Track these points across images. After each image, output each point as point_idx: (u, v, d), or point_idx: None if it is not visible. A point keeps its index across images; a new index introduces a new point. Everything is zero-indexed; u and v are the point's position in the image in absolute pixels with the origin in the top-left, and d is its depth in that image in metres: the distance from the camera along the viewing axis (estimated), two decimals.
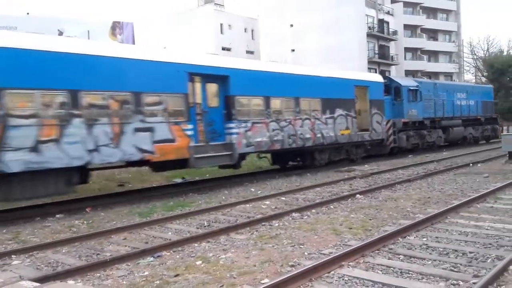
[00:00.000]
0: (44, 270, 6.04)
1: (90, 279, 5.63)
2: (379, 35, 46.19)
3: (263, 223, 8.21)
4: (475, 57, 52.38)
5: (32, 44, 9.50)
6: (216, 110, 13.26)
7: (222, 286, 5.11)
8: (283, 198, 11.00)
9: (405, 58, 52.15)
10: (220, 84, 13.31)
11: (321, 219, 8.43)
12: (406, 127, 22.26)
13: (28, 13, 25.23)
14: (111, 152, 10.47)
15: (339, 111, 17.26)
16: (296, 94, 15.57)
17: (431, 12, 59.61)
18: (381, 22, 47.02)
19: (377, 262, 5.65)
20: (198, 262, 6.04)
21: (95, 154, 10.19)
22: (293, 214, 8.87)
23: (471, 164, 16.61)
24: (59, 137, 9.63)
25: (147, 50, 13.35)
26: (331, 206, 9.66)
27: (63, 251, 7.04)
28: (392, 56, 48.81)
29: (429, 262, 5.60)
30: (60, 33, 22.75)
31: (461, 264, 5.46)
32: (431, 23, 58.09)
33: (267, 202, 10.51)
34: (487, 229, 7.10)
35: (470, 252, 5.90)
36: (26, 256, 6.76)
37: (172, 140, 11.67)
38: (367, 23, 44.58)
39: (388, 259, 5.80)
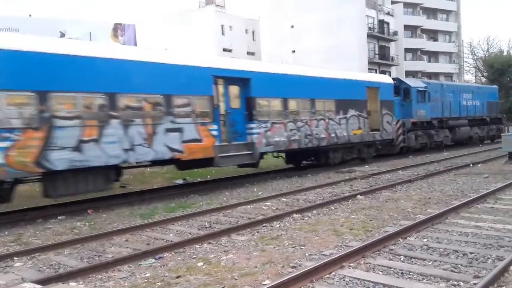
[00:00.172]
0: (46, 272, 6.07)
1: (92, 281, 5.64)
2: (379, 35, 46.22)
3: (264, 224, 8.23)
4: (475, 57, 52.33)
5: (76, 50, 10.17)
6: (238, 111, 13.84)
7: (223, 287, 5.13)
8: (284, 199, 11.02)
9: (405, 59, 52.18)
10: (242, 86, 13.92)
11: (322, 220, 8.45)
12: (415, 127, 22.81)
13: (30, 15, 25.35)
14: (145, 151, 11.11)
15: (351, 112, 17.81)
16: (312, 96, 16.13)
17: (431, 12, 59.63)
18: (381, 22, 47.06)
19: (378, 263, 5.67)
20: (200, 264, 6.07)
21: (131, 153, 10.86)
22: (294, 215, 8.89)
23: (471, 165, 16.62)
24: (99, 137, 10.28)
25: (176, 55, 14.10)
26: (332, 207, 9.68)
27: (65, 253, 7.07)
28: (392, 56, 48.84)
29: (430, 263, 5.62)
30: (62, 35, 22.82)
31: (461, 265, 5.47)
32: (431, 24, 58.11)
33: (268, 203, 10.54)
34: (487, 230, 7.12)
35: (471, 253, 5.92)
36: (28, 258, 6.79)
37: (199, 140, 12.31)
38: (368, 24, 44.61)
39: (389, 259, 5.82)
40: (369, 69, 42.54)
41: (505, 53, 49.25)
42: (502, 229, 7.09)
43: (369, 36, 44.57)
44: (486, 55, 50.76)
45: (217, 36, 50.12)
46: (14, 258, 6.78)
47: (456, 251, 6.03)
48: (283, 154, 17.63)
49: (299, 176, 15.61)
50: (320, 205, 9.77)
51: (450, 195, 10.49)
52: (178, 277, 5.58)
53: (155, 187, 14.80)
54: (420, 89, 23.01)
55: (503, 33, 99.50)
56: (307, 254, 6.22)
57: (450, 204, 9.06)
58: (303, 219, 8.61)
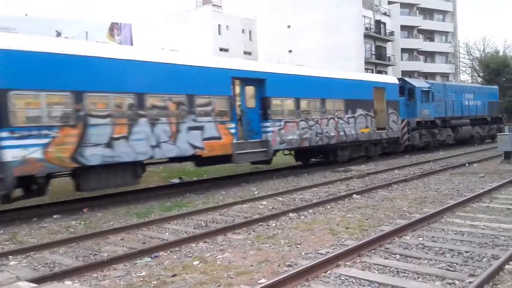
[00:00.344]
0: (41, 271, 6.04)
1: (87, 280, 5.63)
2: (376, 36, 46.33)
3: (260, 223, 8.23)
4: (471, 57, 52.58)
5: (106, 53, 10.77)
6: (253, 110, 14.51)
7: (219, 286, 5.13)
8: (280, 198, 11.03)
9: (401, 59, 52.35)
10: (257, 86, 14.54)
11: (318, 219, 8.46)
12: (419, 126, 23.49)
13: (26, 14, 25.26)
14: (170, 148, 11.75)
15: (359, 111, 18.48)
16: (322, 95, 16.77)
17: (428, 13, 59.83)
18: (378, 23, 47.19)
19: (374, 261, 5.68)
20: (195, 262, 6.06)
21: (157, 150, 11.46)
22: (290, 214, 8.90)
23: (467, 164, 16.68)
24: (128, 135, 10.88)
25: (198, 57, 14.79)
26: (328, 206, 9.69)
27: (60, 251, 7.04)
28: (389, 56, 48.98)
29: (425, 262, 5.63)
30: (58, 34, 22.75)
31: (457, 264, 5.49)
32: (427, 24, 58.32)
33: (264, 202, 10.53)
34: (482, 229, 7.15)
35: (466, 252, 5.93)
36: (23, 256, 6.76)
37: (218, 138, 12.98)
38: (364, 24, 44.70)
39: (385, 258, 5.83)
40: (365, 69, 42.61)
41: (501, 54, 49.51)
42: (497, 228, 7.12)
43: (366, 36, 44.66)
44: (482, 55, 51.00)
45: (214, 36, 50.14)
46: (9, 256, 6.75)
47: (452, 250, 6.05)
48: (292, 152, 18.18)
49: (295, 175, 15.64)
50: (316, 204, 9.77)
51: (446, 195, 10.52)
52: (174, 275, 5.57)
53: (151, 186, 14.75)
54: (424, 89, 23.65)
55: (499, 34, 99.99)
56: (303, 253, 6.23)
57: (446, 203, 9.08)
58: (299, 218, 8.61)
